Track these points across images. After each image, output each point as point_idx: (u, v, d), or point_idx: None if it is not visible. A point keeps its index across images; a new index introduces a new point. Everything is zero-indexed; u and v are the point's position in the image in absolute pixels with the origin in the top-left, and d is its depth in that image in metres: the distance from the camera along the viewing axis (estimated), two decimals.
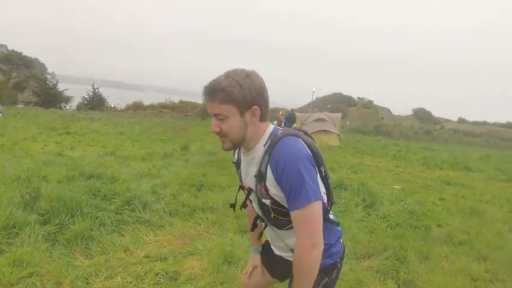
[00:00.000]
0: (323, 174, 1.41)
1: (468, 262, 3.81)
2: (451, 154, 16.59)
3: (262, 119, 1.33)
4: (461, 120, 46.08)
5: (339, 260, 1.55)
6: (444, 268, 3.64)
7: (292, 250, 1.45)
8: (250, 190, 1.44)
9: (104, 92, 35.83)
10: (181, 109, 34.05)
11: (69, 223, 3.35)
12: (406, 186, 7.84)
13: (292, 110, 19.88)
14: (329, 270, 1.50)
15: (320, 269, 1.41)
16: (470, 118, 46.36)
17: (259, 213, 1.49)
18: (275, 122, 22.28)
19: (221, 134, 1.33)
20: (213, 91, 1.26)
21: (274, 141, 1.30)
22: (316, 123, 17.30)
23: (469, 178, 10.06)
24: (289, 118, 18.48)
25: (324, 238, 1.34)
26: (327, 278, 1.49)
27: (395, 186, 7.62)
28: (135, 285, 2.81)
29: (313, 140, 1.47)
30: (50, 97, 34.51)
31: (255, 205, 1.47)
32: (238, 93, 1.24)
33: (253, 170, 1.37)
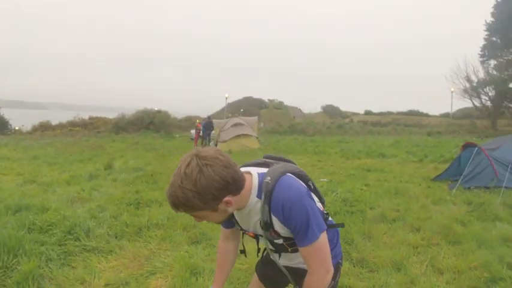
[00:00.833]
0: (312, 187, 1.46)
1: (405, 234, 4.37)
2: (365, 144, 18.31)
3: (239, 191, 1.25)
4: (368, 112, 50.24)
5: (340, 261, 1.63)
6: (387, 243, 4.13)
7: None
8: (257, 236, 1.46)
9: (5, 113, 31.66)
10: (92, 125, 31.81)
11: (13, 264, 3.02)
12: (332, 177, 8.49)
13: (209, 117, 19.78)
14: (334, 272, 1.48)
15: None
16: (375, 109, 50.89)
17: (272, 248, 1.50)
18: (192, 131, 21.91)
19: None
20: (175, 206, 1.20)
21: (269, 191, 1.28)
22: (235, 128, 17.61)
23: (385, 163, 11.26)
24: (207, 126, 18.36)
25: (329, 240, 1.40)
26: (332, 282, 1.47)
27: (322, 179, 8.17)
28: None
29: (292, 162, 1.53)
30: None
31: (267, 244, 1.48)
32: (199, 201, 1.17)
33: (256, 218, 1.37)
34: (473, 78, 36.91)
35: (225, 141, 17.08)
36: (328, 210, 5.24)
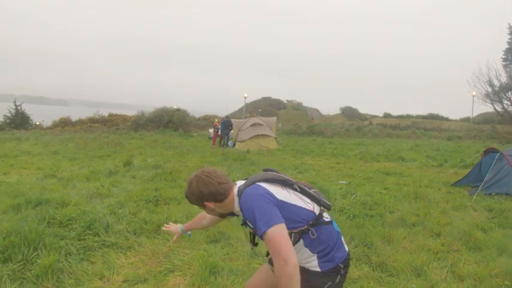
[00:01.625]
0: (298, 190, 1.71)
1: (425, 239, 4.27)
2: (384, 147, 17.96)
3: (220, 200, 1.71)
4: (387, 115, 49.34)
5: (341, 265, 1.64)
6: (406, 247, 4.04)
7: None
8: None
9: (27, 108, 32.53)
10: (111, 123, 32.24)
11: (33, 257, 3.06)
12: (351, 180, 8.37)
13: (227, 116, 19.86)
14: (331, 273, 1.62)
15: (323, 272, 1.58)
16: (395, 112, 50.00)
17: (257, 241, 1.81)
18: (211, 130, 22.00)
19: None
20: (186, 197, 1.79)
21: (238, 196, 1.67)
22: (253, 128, 17.45)
23: (404, 167, 11.04)
24: (226, 125, 18.41)
25: (323, 240, 1.61)
26: (330, 282, 1.61)
27: (341, 182, 8.10)
28: None
29: (275, 170, 1.81)
30: None
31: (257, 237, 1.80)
32: (193, 198, 1.74)
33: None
34: (496, 82, 35.87)
35: (244, 141, 17.01)
36: (347, 212, 5.22)
